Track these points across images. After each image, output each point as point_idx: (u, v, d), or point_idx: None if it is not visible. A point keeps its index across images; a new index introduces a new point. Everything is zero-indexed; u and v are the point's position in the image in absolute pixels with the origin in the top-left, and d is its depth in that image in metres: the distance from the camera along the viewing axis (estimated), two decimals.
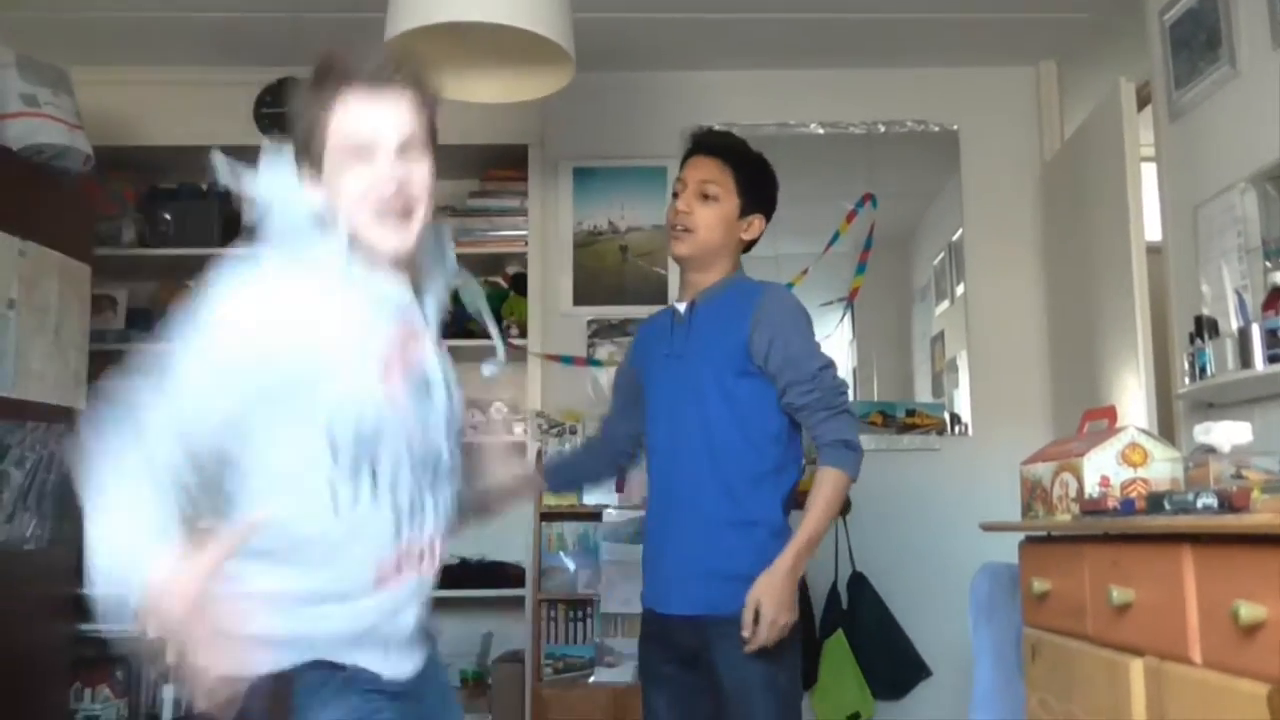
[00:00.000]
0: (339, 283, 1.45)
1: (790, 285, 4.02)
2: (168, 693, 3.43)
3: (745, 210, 2.26)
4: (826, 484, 2.10)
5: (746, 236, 2.29)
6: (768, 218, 2.32)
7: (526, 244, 3.90)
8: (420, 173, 1.50)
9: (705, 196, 2.23)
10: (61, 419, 3.05)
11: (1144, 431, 2.10)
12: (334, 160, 1.47)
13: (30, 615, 2.98)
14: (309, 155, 1.49)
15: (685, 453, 2.16)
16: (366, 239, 1.48)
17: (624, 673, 3.53)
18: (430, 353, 1.55)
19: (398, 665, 1.48)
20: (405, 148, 1.49)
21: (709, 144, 2.31)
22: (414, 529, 1.47)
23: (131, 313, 3.93)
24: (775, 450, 2.16)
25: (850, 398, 2.32)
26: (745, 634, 2.03)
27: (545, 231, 3.98)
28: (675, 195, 2.26)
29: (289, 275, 1.43)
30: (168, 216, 3.89)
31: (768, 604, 2.03)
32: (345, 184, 1.47)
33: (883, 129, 4.10)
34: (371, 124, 1.47)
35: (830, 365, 2.16)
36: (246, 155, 1.51)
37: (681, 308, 2.27)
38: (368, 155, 1.47)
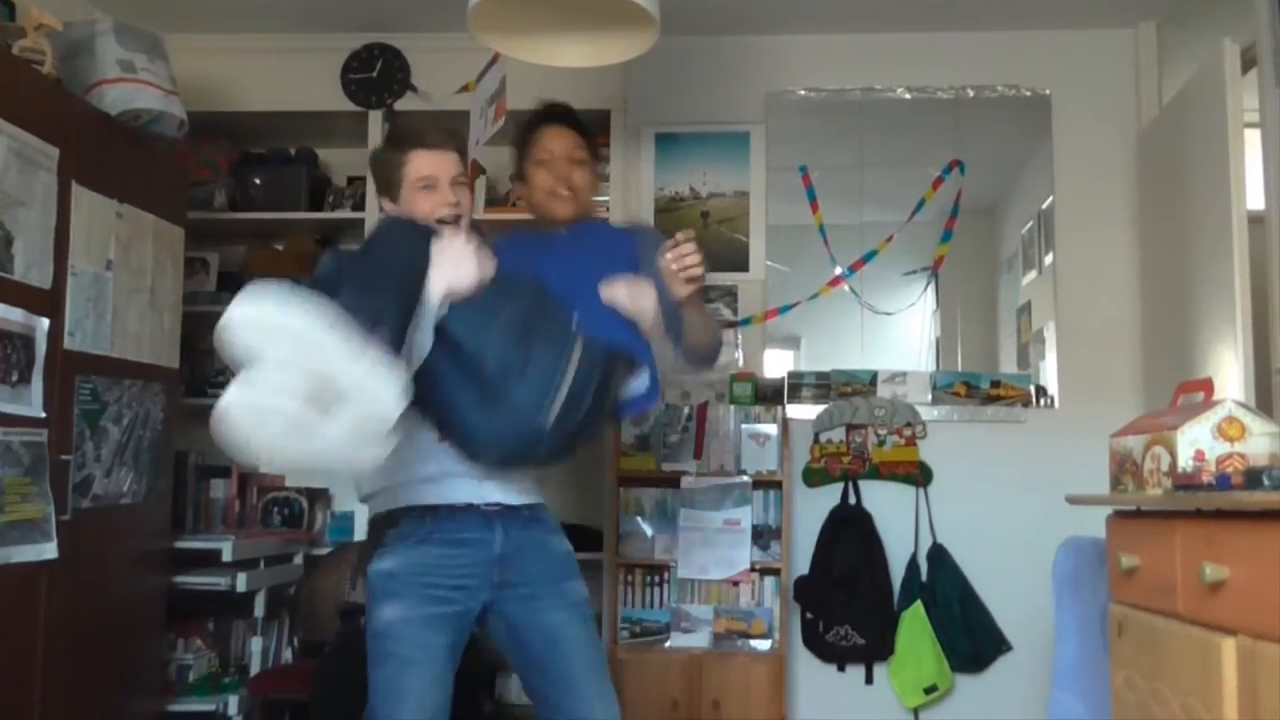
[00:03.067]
0: None
1: (874, 253, 3.98)
2: (255, 645, 3.55)
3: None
4: None
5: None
6: None
7: (608, 209, 3.89)
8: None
9: (579, 162, 2.40)
10: (157, 378, 3.15)
11: (1242, 405, 2.03)
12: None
13: (127, 568, 3.09)
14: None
15: None
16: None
17: (700, 638, 3.56)
18: None
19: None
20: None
21: (569, 119, 2.44)
22: None
23: (222, 275, 4.03)
24: None
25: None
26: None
27: (627, 197, 3.97)
28: (541, 164, 2.37)
29: None
30: (257, 181, 3.97)
31: None
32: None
33: (971, 94, 4.00)
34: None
35: None
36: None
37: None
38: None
